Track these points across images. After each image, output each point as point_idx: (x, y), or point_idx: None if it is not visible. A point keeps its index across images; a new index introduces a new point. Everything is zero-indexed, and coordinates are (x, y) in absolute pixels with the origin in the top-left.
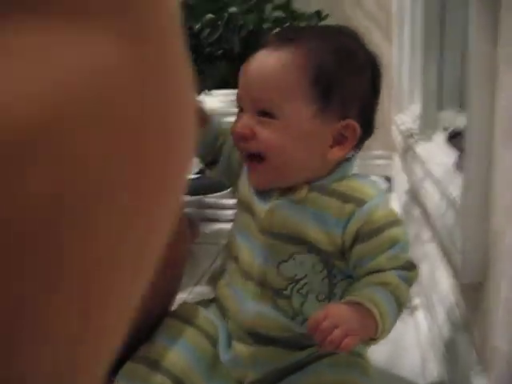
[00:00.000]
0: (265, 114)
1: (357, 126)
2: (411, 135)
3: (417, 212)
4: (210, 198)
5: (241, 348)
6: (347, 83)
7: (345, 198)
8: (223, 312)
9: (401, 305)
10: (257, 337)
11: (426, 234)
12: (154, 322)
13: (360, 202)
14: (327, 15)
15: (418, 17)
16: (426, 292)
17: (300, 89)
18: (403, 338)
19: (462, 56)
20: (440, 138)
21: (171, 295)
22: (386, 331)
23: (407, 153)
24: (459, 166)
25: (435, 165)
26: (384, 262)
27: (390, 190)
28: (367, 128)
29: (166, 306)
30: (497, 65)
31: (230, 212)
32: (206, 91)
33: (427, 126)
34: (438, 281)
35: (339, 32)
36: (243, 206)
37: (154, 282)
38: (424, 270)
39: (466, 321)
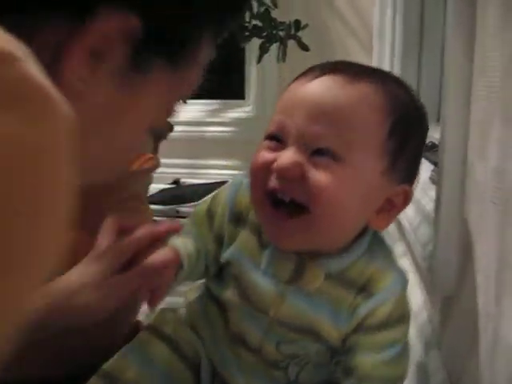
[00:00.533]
0: (323, 153)
1: (411, 193)
2: None
3: (392, 226)
4: (185, 208)
5: None
6: (416, 144)
7: (359, 290)
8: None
9: None
10: None
11: (400, 248)
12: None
13: (369, 295)
14: (306, 25)
15: (398, 32)
16: None
17: (378, 134)
18: None
19: (440, 71)
20: None
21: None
22: None
23: None
24: (434, 179)
25: None
26: (375, 365)
27: None
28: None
29: (131, 317)
30: (471, 78)
31: None
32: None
33: None
34: (410, 297)
35: (401, 82)
36: (236, 280)
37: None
38: None
39: (437, 337)
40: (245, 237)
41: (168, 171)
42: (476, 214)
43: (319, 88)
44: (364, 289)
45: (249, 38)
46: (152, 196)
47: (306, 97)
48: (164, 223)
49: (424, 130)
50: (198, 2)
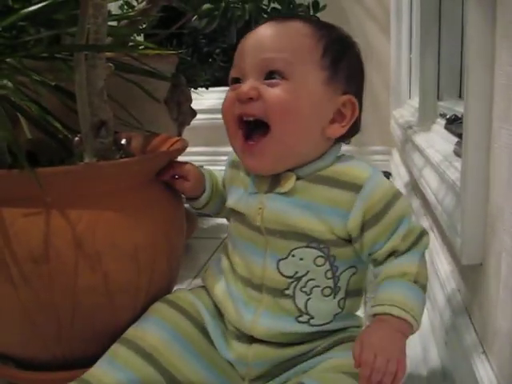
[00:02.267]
0: (274, 76)
1: (357, 103)
2: (410, 127)
3: (416, 203)
4: None
5: (241, 349)
6: (350, 61)
7: (336, 183)
8: (220, 313)
9: (424, 287)
10: (258, 340)
11: (425, 224)
12: None
13: (357, 188)
14: (325, 6)
15: (416, 9)
16: None
17: (313, 53)
18: None
19: (460, 49)
20: (439, 125)
21: (169, 286)
22: (420, 323)
23: (406, 144)
24: (458, 151)
25: (434, 152)
26: (398, 242)
27: None
28: (359, 117)
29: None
30: (494, 45)
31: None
32: (204, 89)
33: (426, 116)
34: (438, 268)
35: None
36: (235, 214)
37: (152, 271)
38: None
39: (467, 304)
40: (235, 174)
41: (190, 159)
42: (502, 179)
43: (260, 30)
44: (348, 184)
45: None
46: None
47: (251, 39)
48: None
49: (354, 51)
50: None
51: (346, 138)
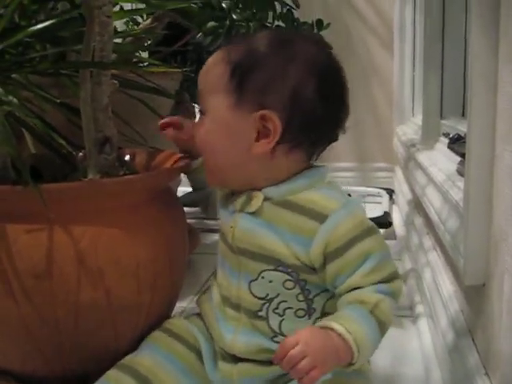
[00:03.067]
0: (202, 112)
1: (274, 116)
2: (413, 145)
3: (419, 221)
4: (212, 210)
5: (226, 368)
6: (263, 73)
7: (302, 211)
8: (209, 333)
9: (382, 323)
10: (240, 358)
11: (428, 242)
12: (154, 328)
13: (322, 219)
14: (329, 24)
15: (419, 27)
16: (429, 300)
17: (221, 82)
18: (406, 346)
19: (463, 66)
20: (442, 144)
21: (171, 302)
22: (365, 356)
23: (409, 162)
24: (461, 171)
25: (437, 170)
26: (359, 279)
27: (392, 202)
28: (314, 127)
29: (166, 312)
30: (497, 67)
31: None
32: None
33: (429, 135)
34: (441, 287)
35: (294, 32)
36: (220, 232)
37: (153, 287)
38: (427, 277)
39: (469, 325)
40: (222, 192)
41: None
42: (506, 200)
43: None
44: (313, 213)
45: None
46: (179, 198)
47: None
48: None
49: (269, 62)
50: None
51: (311, 154)
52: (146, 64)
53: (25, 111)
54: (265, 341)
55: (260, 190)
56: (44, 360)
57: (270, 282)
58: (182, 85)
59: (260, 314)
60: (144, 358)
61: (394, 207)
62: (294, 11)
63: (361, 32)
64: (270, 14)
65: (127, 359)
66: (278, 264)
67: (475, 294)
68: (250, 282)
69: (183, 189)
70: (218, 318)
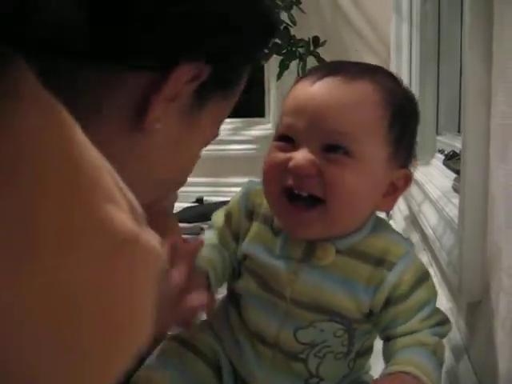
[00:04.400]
0: (334, 150)
1: (411, 175)
2: None
3: (415, 237)
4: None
5: None
6: (413, 131)
7: (374, 261)
8: (229, 362)
9: (442, 363)
10: None
11: (425, 258)
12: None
13: (390, 266)
14: (325, 41)
15: (415, 46)
16: None
17: (381, 127)
18: None
19: (459, 82)
20: (438, 160)
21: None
22: None
23: None
24: (457, 188)
25: (433, 187)
26: (416, 324)
27: (389, 218)
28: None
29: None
30: (490, 85)
31: None
32: None
33: (425, 151)
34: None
35: (393, 76)
36: (249, 266)
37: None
38: None
39: (466, 343)
40: (257, 228)
41: (191, 190)
42: (500, 218)
43: (322, 89)
44: (383, 261)
45: (269, 56)
46: (176, 214)
47: (311, 98)
48: (190, 242)
49: (417, 117)
50: (250, 47)
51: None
52: None
53: None
54: (298, 382)
55: (327, 240)
56: None
57: (322, 331)
58: None
59: (300, 356)
60: (159, 375)
61: (391, 223)
62: (290, 28)
63: (358, 49)
64: None
65: (142, 378)
66: (335, 315)
67: (472, 312)
68: (298, 329)
69: (180, 204)
70: (247, 353)
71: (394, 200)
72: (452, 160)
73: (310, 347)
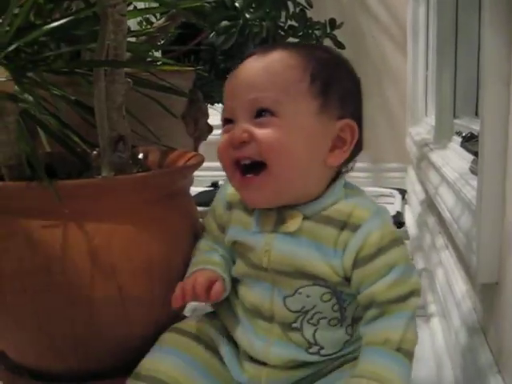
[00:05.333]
0: (263, 114)
1: (355, 125)
2: (426, 144)
3: (432, 221)
4: None
5: (254, 370)
6: (342, 83)
7: (341, 225)
8: (231, 338)
9: (409, 353)
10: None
11: (441, 241)
12: (167, 326)
13: (354, 228)
14: (342, 23)
15: (432, 27)
16: (442, 299)
17: (301, 85)
18: (418, 345)
19: (476, 65)
20: (455, 143)
21: None
22: None
23: (422, 162)
24: (474, 170)
25: (450, 169)
26: (382, 290)
27: (404, 202)
28: (360, 139)
29: (178, 309)
30: (510, 63)
31: None
32: (220, 104)
33: (442, 134)
34: (453, 287)
35: (316, 45)
36: (238, 253)
37: (166, 284)
38: (439, 276)
39: (482, 324)
40: (236, 214)
41: (207, 174)
42: None
43: (245, 66)
44: (347, 224)
45: (285, 38)
46: (193, 198)
47: (237, 78)
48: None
49: (344, 70)
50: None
51: (348, 162)
52: (159, 63)
53: (40, 109)
54: (300, 352)
55: (293, 207)
56: (59, 356)
57: (308, 296)
58: (195, 84)
59: (294, 325)
60: (162, 364)
61: (407, 207)
62: (306, 11)
63: (374, 32)
64: (283, 13)
65: (144, 367)
66: (316, 280)
67: (488, 293)
68: (285, 297)
69: (196, 188)
70: (246, 328)
71: (342, 153)
72: (470, 142)
73: (303, 314)
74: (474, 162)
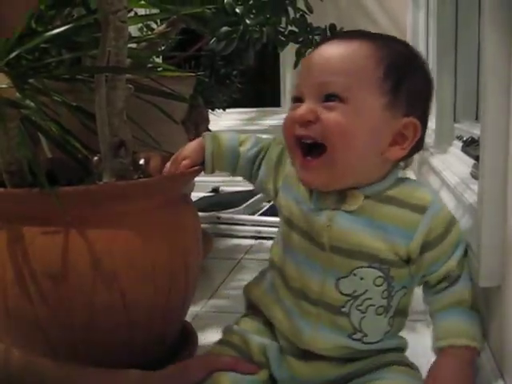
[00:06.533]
0: (332, 99)
1: (419, 125)
2: (427, 149)
3: None
4: (225, 214)
5: (298, 365)
6: (414, 82)
7: (402, 204)
8: (273, 329)
9: (479, 310)
10: (313, 354)
11: None
12: (169, 332)
13: (421, 209)
14: (342, 29)
15: (432, 32)
16: None
17: (374, 77)
18: (420, 350)
19: (476, 70)
20: (455, 148)
21: (185, 306)
22: (482, 345)
23: (423, 166)
24: (475, 174)
25: (451, 174)
26: (454, 266)
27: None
28: (421, 138)
29: (180, 316)
30: (510, 67)
31: (243, 228)
32: (221, 110)
33: (443, 138)
34: None
35: (395, 37)
36: (292, 224)
37: (168, 290)
38: None
39: (484, 328)
40: (299, 185)
41: (208, 180)
42: None
43: (321, 51)
44: (410, 204)
45: (285, 44)
46: (193, 203)
47: (312, 60)
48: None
49: (419, 69)
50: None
51: (407, 157)
52: (160, 69)
53: (41, 115)
54: (343, 338)
55: (356, 188)
56: (59, 361)
57: (362, 278)
58: (196, 89)
59: (343, 310)
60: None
61: None
62: (307, 16)
63: None
64: (283, 19)
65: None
66: (372, 260)
67: (490, 296)
68: (339, 278)
69: (196, 194)
70: (292, 312)
71: (403, 150)
72: (471, 146)
73: (353, 299)
74: (475, 166)
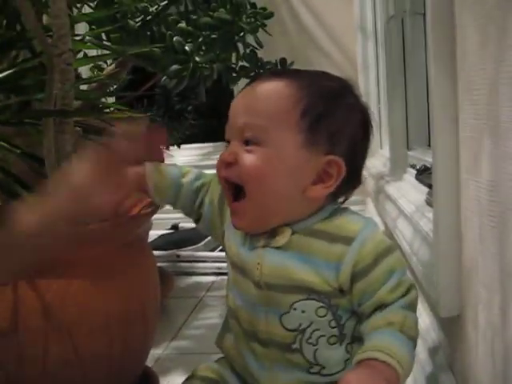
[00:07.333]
0: (251, 142)
1: (342, 163)
2: (382, 177)
3: None
4: (185, 252)
5: None
6: (337, 120)
7: (330, 237)
8: (237, 372)
9: (412, 338)
10: None
11: None
12: (127, 378)
13: (348, 241)
14: (292, 63)
15: (382, 63)
16: None
17: (289, 118)
18: None
19: (426, 97)
20: (410, 175)
21: (144, 351)
22: (408, 373)
23: (379, 194)
24: (430, 201)
25: (407, 202)
26: (385, 295)
27: None
28: (355, 172)
29: (139, 362)
30: (457, 98)
31: (204, 265)
32: (176, 146)
33: (397, 166)
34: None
35: (327, 74)
36: (234, 265)
37: (125, 338)
38: None
39: (448, 356)
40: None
41: (166, 217)
42: (474, 231)
43: (244, 93)
44: (339, 237)
45: (237, 79)
46: (152, 242)
47: (236, 101)
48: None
49: (344, 107)
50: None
51: (343, 193)
52: (111, 109)
53: None
54: (301, 374)
55: (286, 225)
56: None
57: (303, 312)
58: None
59: (294, 346)
60: None
61: None
62: (257, 51)
63: (325, 68)
64: (234, 54)
65: None
66: (309, 292)
67: (451, 325)
68: (281, 315)
69: (156, 232)
70: (246, 356)
71: (326, 188)
72: (424, 174)
73: (300, 333)
74: (430, 193)
